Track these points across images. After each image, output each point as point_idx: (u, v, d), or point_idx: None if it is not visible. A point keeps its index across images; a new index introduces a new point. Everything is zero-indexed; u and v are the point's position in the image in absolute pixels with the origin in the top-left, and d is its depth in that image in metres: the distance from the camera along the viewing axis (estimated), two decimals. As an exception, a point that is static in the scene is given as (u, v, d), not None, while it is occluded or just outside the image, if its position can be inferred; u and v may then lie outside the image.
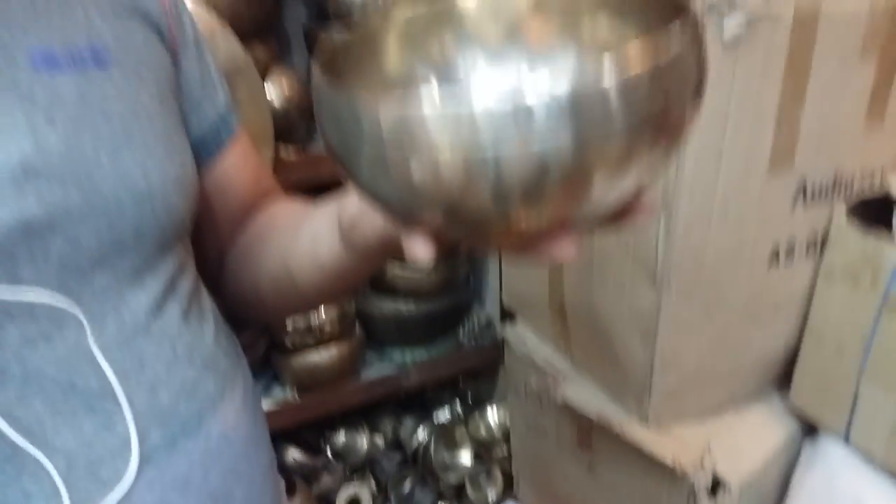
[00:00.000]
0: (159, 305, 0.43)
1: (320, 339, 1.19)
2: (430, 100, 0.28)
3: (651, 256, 0.67)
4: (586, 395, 0.83)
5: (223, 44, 0.82)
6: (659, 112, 0.28)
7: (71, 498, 0.39)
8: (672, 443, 0.73)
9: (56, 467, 0.40)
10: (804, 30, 0.59)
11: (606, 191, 0.29)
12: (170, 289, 0.44)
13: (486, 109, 0.27)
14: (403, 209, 0.33)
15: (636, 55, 0.27)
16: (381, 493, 1.40)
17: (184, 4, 0.50)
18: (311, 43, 1.14)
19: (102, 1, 0.43)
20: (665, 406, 0.75)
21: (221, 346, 0.50)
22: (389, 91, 0.43)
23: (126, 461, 0.42)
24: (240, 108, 0.56)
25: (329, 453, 1.37)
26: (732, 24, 0.56)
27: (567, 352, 0.89)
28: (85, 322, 0.39)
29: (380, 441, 1.43)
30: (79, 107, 0.39)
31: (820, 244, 0.72)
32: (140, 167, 0.41)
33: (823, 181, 0.68)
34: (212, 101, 0.50)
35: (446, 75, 0.45)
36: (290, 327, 1.16)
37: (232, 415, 0.49)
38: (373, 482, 1.40)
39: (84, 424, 0.40)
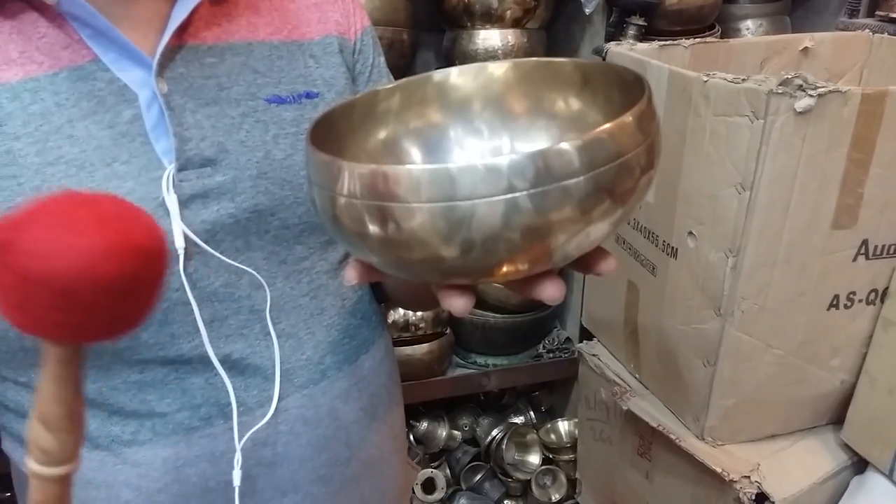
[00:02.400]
0: (335, 270, 0.60)
1: (415, 335, 1.32)
2: (405, 174, 0.30)
3: (718, 289, 0.76)
4: (650, 409, 0.92)
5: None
6: (614, 185, 0.32)
7: (280, 388, 0.56)
8: (724, 457, 0.82)
9: (267, 370, 0.56)
10: (871, 106, 0.67)
11: (567, 247, 0.33)
12: (343, 259, 0.60)
13: (463, 175, 0.30)
14: (391, 270, 0.35)
15: (595, 141, 0.31)
16: (454, 481, 1.51)
17: (369, 38, 0.63)
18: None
19: (317, 50, 0.57)
20: (721, 426, 0.83)
21: (373, 306, 0.66)
22: (374, 157, 0.45)
23: (312, 373, 0.59)
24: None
25: (412, 438, 1.50)
26: (804, 97, 0.65)
27: (636, 370, 0.98)
28: (285, 280, 0.56)
29: (457, 434, 1.54)
30: (294, 126, 0.54)
31: (881, 294, 0.78)
32: None
33: (886, 243, 0.74)
34: None
35: (428, 144, 0.47)
36: (389, 322, 1.30)
37: (378, 355, 0.66)
38: (447, 470, 1.52)
39: (284, 346, 0.57)
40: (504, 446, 1.46)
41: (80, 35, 0.47)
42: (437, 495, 1.44)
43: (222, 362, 0.53)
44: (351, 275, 0.39)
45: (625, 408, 0.95)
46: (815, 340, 0.79)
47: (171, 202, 0.48)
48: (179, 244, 0.48)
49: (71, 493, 0.34)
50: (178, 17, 0.49)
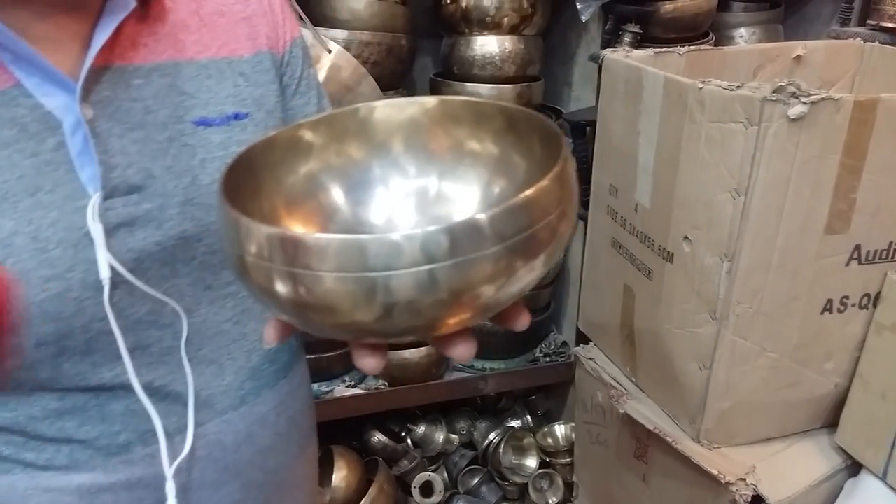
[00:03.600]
0: None
1: (412, 339, 1.33)
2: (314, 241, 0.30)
3: (714, 294, 0.77)
4: (646, 412, 0.93)
5: (367, 89, 0.98)
6: (531, 247, 0.32)
7: (200, 414, 0.56)
8: (720, 459, 0.82)
9: (188, 397, 0.56)
10: (863, 113, 0.68)
11: (482, 310, 0.33)
12: None
13: (374, 246, 0.29)
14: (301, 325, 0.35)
15: (512, 210, 0.31)
16: (452, 485, 1.52)
17: (298, 49, 0.61)
18: (433, 90, 1.30)
19: (248, 68, 0.56)
20: (716, 428, 0.84)
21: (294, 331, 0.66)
22: (294, 195, 0.44)
23: (231, 399, 0.59)
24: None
25: (409, 442, 1.51)
26: (798, 104, 0.66)
27: (632, 373, 0.99)
28: (209, 306, 0.56)
29: (455, 438, 1.55)
30: (222, 149, 0.53)
31: (873, 299, 0.79)
32: None
33: (878, 248, 0.75)
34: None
35: (351, 182, 0.46)
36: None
37: (296, 379, 0.67)
38: (445, 473, 1.53)
39: (206, 372, 0.57)
40: (501, 450, 1.47)
41: (2, 60, 0.45)
42: (435, 498, 1.44)
43: (144, 389, 0.52)
44: (270, 335, 0.38)
45: (621, 411, 0.95)
46: (809, 344, 0.80)
47: (97, 232, 0.46)
48: (105, 275, 0.47)
49: None
50: (101, 38, 0.46)
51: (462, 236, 0.30)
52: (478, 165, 0.46)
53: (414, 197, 0.47)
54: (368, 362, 0.35)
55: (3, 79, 0.45)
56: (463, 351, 0.35)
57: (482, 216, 0.30)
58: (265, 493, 0.64)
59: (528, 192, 0.31)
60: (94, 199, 0.47)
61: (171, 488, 0.53)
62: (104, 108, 0.48)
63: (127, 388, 0.51)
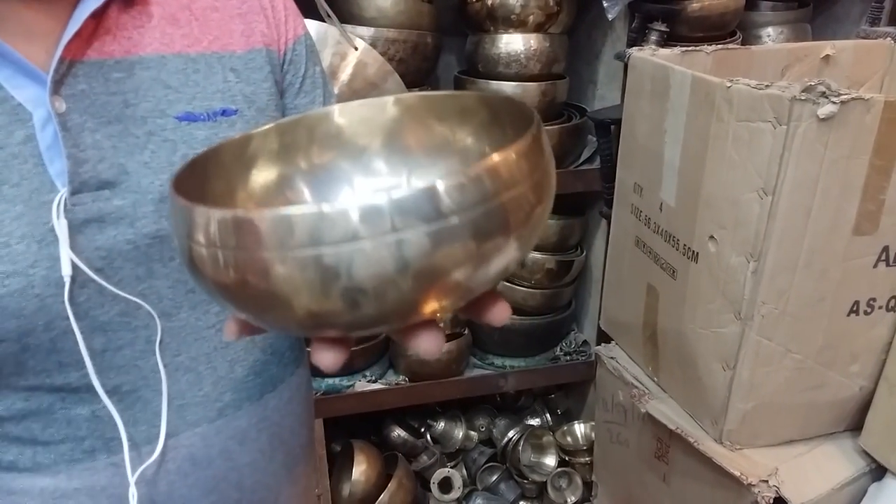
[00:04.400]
0: None
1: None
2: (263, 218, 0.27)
3: (739, 294, 0.76)
4: (668, 412, 0.93)
5: (392, 86, 0.99)
6: (493, 214, 0.29)
7: (171, 424, 0.54)
8: (742, 460, 0.82)
9: (158, 405, 0.54)
10: (894, 114, 0.67)
11: (451, 294, 0.30)
12: None
13: (334, 217, 0.27)
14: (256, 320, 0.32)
15: (478, 175, 0.29)
16: (471, 481, 1.52)
17: (302, 47, 0.59)
18: (458, 87, 1.31)
19: (240, 64, 0.54)
20: (739, 429, 0.83)
21: (288, 341, 0.63)
22: (260, 201, 0.42)
23: (207, 411, 0.57)
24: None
25: (429, 438, 1.51)
26: (827, 104, 0.66)
27: (654, 373, 0.99)
28: (191, 311, 0.54)
29: (474, 435, 1.56)
30: (207, 146, 0.50)
31: (901, 302, 0.79)
32: None
33: None
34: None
35: (321, 185, 0.45)
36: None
37: (287, 394, 0.63)
38: (464, 470, 1.53)
39: (181, 381, 0.55)
40: (520, 448, 1.47)
41: None
42: (454, 494, 1.45)
43: (111, 394, 0.51)
44: (230, 329, 0.35)
45: (643, 410, 0.95)
46: (835, 346, 0.79)
47: (61, 227, 0.45)
48: (66, 272, 0.46)
49: None
50: (71, 29, 0.45)
51: (416, 204, 0.28)
52: (450, 158, 0.45)
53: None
54: (326, 357, 0.32)
55: None
56: (428, 344, 0.32)
57: (440, 182, 0.28)
58: None
59: (488, 161, 0.29)
60: (61, 194, 0.46)
61: (133, 494, 0.52)
62: (78, 101, 0.47)
63: (93, 392, 0.50)
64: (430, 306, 0.30)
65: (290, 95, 0.59)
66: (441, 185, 0.28)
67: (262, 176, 0.43)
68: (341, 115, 0.45)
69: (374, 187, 0.46)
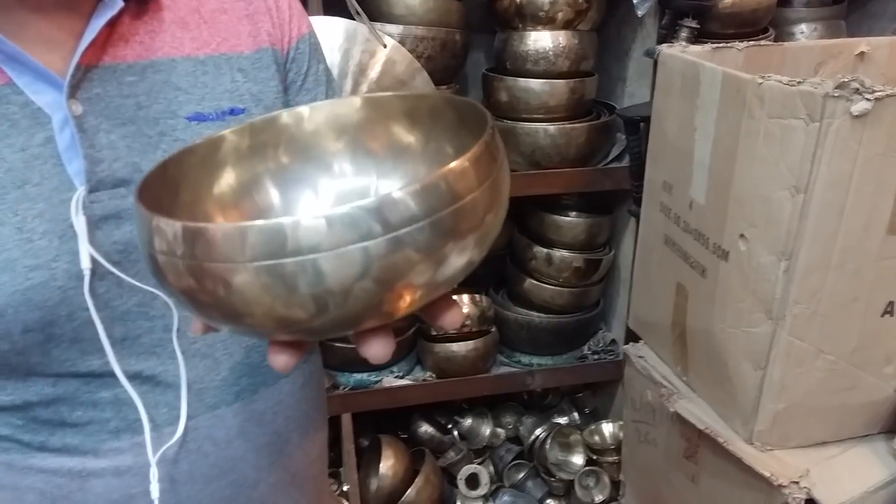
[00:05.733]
0: None
1: (460, 332, 1.35)
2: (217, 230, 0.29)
3: (770, 293, 0.75)
4: (697, 412, 0.92)
5: (421, 83, 0.99)
6: (455, 227, 0.31)
7: (190, 407, 0.57)
8: (773, 462, 0.81)
9: (178, 389, 0.56)
10: (932, 111, 0.66)
11: (402, 301, 0.31)
12: None
13: (291, 230, 0.28)
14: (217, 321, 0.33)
15: (430, 185, 0.30)
16: (497, 478, 1.53)
17: (306, 45, 0.61)
18: (486, 85, 1.31)
19: (247, 64, 0.56)
20: (770, 430, 0.82)
21: None
22: (225, 204, 0.43)
23: (225, 394, 0.59)
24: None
25: (456, 434, 1.52)
26: (861, 100, 0.65)
27: (683, 372, 0.98)
28: None
29: (501, 432, 1.56)
30: None
31: (938, 303, 0.77)
32: None
33: None
34: None
35: (287, 187, 0.46)
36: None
37: (300, 379, 0.66)
38: (490, 467, 1.53)
39: (199, 366, 0.57)
40: (547, 446, 1.47)
41: None
42: (481, 491, 1.45)
43: (133, 379, 0.53)
44: (195, 326, 0.37)
45: (672, 410, 0.95)
46: (869, 347, 0.78)
47: (79, 223, 0.48)
48: (86, 265, 0.48)
49: None
50: (87, 37, 0.48)
51: (389, 210, 0.29)
52: (416, 160, 0.46)
53: (355, 197, 0.46)
54: (279, 359, 0.34)
55: None
56: (378, 349, 0.34)
57: (396, 192, 0.29)
58: (259, 491, 0.63)
59: (441, 170, 0.31)
60: (79, 193, 0.48)
61: (154, 473, 0.54)
62: (94, 104, 0.49)
63: (115, 377, 0.53)
64: (386, 310, 0.32)
65: (292, 92, 0.61)
66: (395, 195, 0.29)
67: (232, 176, 0.45)
68: (313, 114, 0.47)
69: (339, 189, 0.47)
